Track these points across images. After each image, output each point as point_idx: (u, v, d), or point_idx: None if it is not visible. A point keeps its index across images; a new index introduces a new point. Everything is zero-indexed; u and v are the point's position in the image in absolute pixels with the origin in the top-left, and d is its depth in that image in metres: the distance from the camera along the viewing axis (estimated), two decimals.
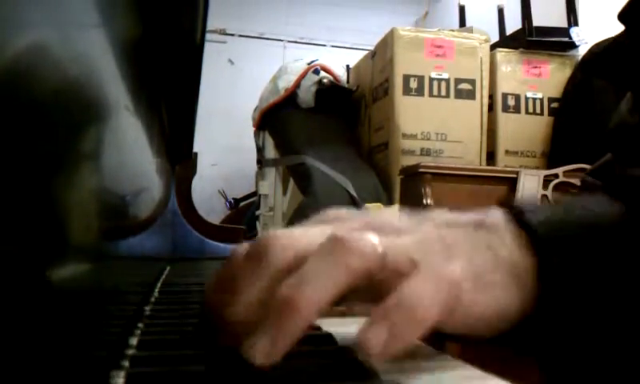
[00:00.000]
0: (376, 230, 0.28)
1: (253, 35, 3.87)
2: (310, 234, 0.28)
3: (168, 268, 0.92)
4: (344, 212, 0.32)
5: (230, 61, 3.80)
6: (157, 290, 0.63)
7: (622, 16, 0.50)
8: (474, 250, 0.29)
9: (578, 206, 0.34)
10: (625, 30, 0.51)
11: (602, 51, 0.54)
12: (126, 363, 0.31)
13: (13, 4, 0.18)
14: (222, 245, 1.18)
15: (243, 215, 3.14)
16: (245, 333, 0.26)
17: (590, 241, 0.31)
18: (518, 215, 0.31)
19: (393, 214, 0.32)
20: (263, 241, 0.28)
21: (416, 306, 0.25)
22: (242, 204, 3.36)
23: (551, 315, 0.29)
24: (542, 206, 0.33)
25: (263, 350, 0.25)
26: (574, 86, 2.18)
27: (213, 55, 3.52)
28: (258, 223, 2.85)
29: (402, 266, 0.27)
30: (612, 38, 0.54)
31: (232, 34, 3.82)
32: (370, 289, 0.27)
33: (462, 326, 0.28)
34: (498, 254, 0.29)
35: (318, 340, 0.33)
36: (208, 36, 0.55)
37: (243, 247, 0.30)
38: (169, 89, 0.61)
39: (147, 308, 0.50)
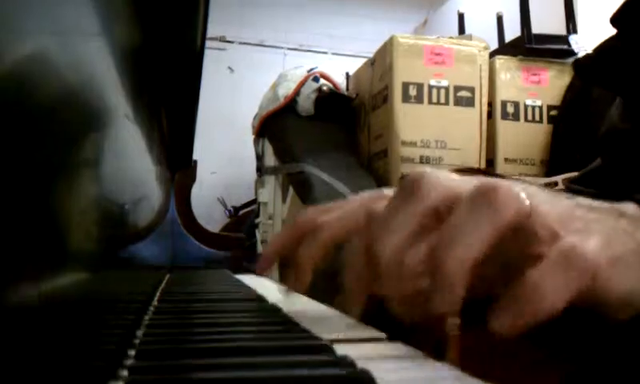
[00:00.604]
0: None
1: (253, 43, 3.88)
2: (460, 181, 0.28)
3: (167, 276, 0.92)
4: (491, 179, 0.31)
5: (230, 68, 3.81)
6: (156, 299, 0.62)
7: (615, 20, 0.51)
8: (614, 233, 0.28)
9: None
10: (617, 34, 0.52)
11: (595, 55, 0.54)
12: (125, 373, 0.31)
13: (13, 11, 0.18)
14: (221, 253, 1.18)
15: (242, 223, 3.14)
16: (396, 277, 0.27)
17: None
18: None
19: (532, 186, 0.30)
20: (414, 178, 0.28)
21: (546, 293, 0.25)
22: (241, 212, 3.36)
23: None
24: None
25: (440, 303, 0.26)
26: (572, 93, 2.19)
27: (212, 62, 3.53)
28: (257, 231, 2.85)
29: (540, 234, 0.26)
30: (604, 41, 0.54)
31: (232, 42, 3.83)
32: (499, 257, 0.27)
33: (594, 304, 0.28)
34: (638, 240, 0.29)
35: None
36: (207, 43, 0.55)
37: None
38: (169, 96, 0.61)
39: (146, 317, 0.50)
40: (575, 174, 1.87)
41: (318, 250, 0.39)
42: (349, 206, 0.39)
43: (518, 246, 0.27)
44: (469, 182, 0.28)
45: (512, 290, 0.25)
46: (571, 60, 2.28)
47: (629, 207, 0.30)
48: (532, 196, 0.28)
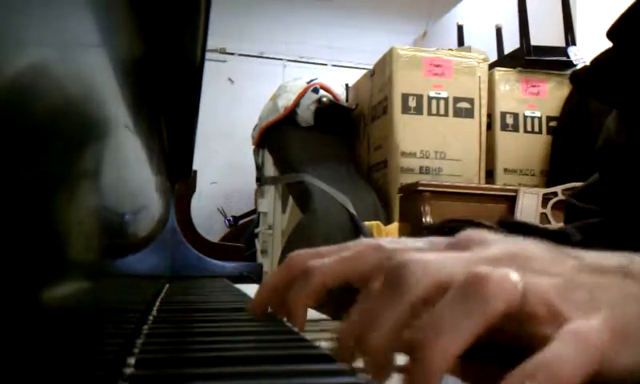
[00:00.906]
0: (515, 263, 0.27)
1: (252, 54, 3.89)
2: (448, 263, 0.28)
3: (167, 286, 0.92)
4: (479, 235, 0.30)
5: (230, 79, 3.82)
6: (155, 308, 0.63)
7: (611, 34, 0.51)
8: (621, 300, 0.27)
9: None
10: (613, 47, 0.52)
11: (591, 67, 0.54)
12: (125, 382, 0.31)
13: (15, 22, 0.18)
14: (220, 263, 1.18)
15: (242, 233, 3.14)
16: (381, 363, 0.27)
17: None
18: None
19: (529, 243, 0.29)
20: (398, 268, 0.27)
21: (559, 374, 0.24)
22: (241, 222, 3.36)
23: None
24: None
25: None
26: (571, 104, 2.20)
27: (213, 74, 3.54)
28: (257, 241, 2.85)
29: (540, 314, 0.26)
30: (601, 54, 0.54)
31: (232, 53, 3.85)
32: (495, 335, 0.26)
33: (603, 377, 0.26)
34: None
35: None
36: (208, 55, 0.56)
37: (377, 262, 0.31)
38: (169, 107, 0.61)
39: (146, 326, 0.50)
40: (575, 184, 1.87)
41: (309, 294, 0.39)
42: (342, 252, 0.39)
43: (517, 325, 0.26)
44: (459, 268, 0.27)
45: (521, 372, 0.24)
46: (570, 71, 2.30)
47: (635, 263, 0.29)
48: (529, 269, 0.27)
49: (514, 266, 0.26)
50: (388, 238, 0.36)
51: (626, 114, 0.52)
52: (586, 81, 0.57)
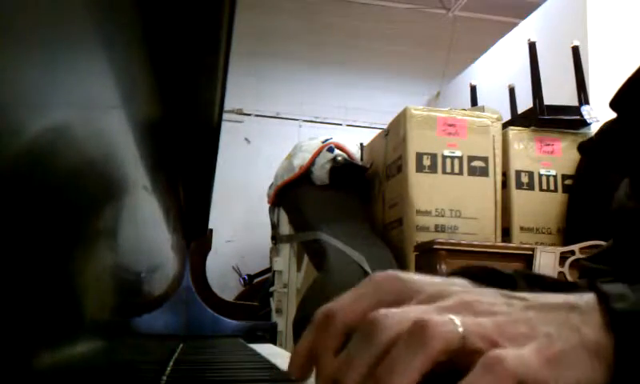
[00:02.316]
0: (465, 309, 0.32)
1: (269, 115, 3.96)
2: (410, 315, 0.32)
3: (181, 345, 0.91)
4: (448, 288, 0.34)
5: (247, 139, 3.88)
6: (170, 368, 0.62)
7: (613, 104, 0.52)
8: (559, 331, 0.31)
9: None
10: (617, 117, 0.53)
11: (597, 137, 0.56)
12: None
13: (37, 85, 0.19)
14: (234, 322, 1.17)
15: (257, 291, 3.12)
16: None
17: None
18: (603, 300, 0.32)
19: (486, 291, 0.34)
20: (372, 320, 0.32)
21: None
22: (256, 280, 3.35)
23: None
24: (635, 289, 0.33)
25: None
26: (585, 163, 2.19)
27: (229, 134, 3.60)
28: (271, 299, 2.83)
29: (481, 348, 0.30)
30: (606, 123, 0.55)
31: (248, 114, 3.92)
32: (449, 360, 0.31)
33: None
34: (584, 334, 0.31)
35: None
36: (225, 116, 0.57)
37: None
38: (186, 168, 0.63)
39: None
40: (592, 242, 1.85)
41: (334, 339, 0.40)
42: (357, 290, 0.42)
43: (463, 358, 0.30)
44: (415, 317, 0.31)
45: None
46: (584, 130, 2.30)
47: (583, 299, 0.32)
48: (477, 313, 0.31)
49: (463, 312, 0.31)
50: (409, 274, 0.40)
51: (635, 182, 0.53)
52: (593, 150, 0.59)
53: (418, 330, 0.30)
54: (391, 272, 0.40)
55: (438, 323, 0.30)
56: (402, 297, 0.35)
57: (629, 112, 0.51)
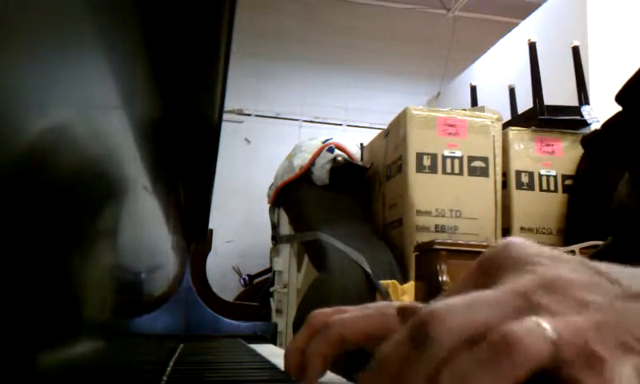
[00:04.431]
0: (549, 294, 0.26)
1: (269, 115, 3.97)
2: (475, 310, 0.26)
3: (181, 346, 0.91)
4: (511, 254, 0.29)
5: (247, 140, 3.88)
6: (170, 368, 0.62)
7: (619, 98, 0.52)
8: None
9: None
10: (622, 111, 0.53)
11: (601, 131, 0.55)
12: None
13: (37, 86, 0.19)
14: (235, 322, 1.17)
15: (257, 291, 3.12)
16: None
17: None
18: None
19: (565, 264, 0.28)
20: (426, 320, 0.26)
21: None
22: (256, 280, 3.35)
23: None
24: None
25: None
26: (586, 163, 2.20)
27: (230, 134, 3.60)
28: (272, 300, 2.83)
29: (574, 359, 0.24)
30: (610, 117, 0.55)
31: (249, 114, 3.92)
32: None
33: None
34: None
35: None
36: (225, 116, 0.57)
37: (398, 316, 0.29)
38: (186, 169, 0.63)
39: None
40: (592, 243, 1.84)
41: (327, 346, 0.41)
42: (361, 309, 0.42)
43: (553, 369, 0.25)
44: (486, 316, 0.26)
45: None
46: (584, 130, 2.31)
47: None
48: (564, 302, 0.26)
49: (546, 300, 0.25)
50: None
51: (637, 177, 0.53)
52: (596, 145, 0.58)
53: (498, 345, 0.24)
54: (399, 302, 0.35)
55: (522, 335, 0.24)
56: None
57: (634, 106, 0.51)
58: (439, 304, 0.26)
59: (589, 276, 0.27)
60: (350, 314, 0.41)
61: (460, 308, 0.26)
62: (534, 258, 0.28)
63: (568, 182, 2.28)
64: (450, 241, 1.93)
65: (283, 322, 2.57)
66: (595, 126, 2.24)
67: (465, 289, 0.28)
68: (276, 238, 2.82)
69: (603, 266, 0.28)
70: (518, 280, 0.27)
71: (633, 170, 0.53)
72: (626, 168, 0.55)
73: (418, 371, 0.25)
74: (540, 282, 0.26)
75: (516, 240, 0.30)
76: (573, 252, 1.83)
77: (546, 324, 0.24)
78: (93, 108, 0.27)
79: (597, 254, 0.60)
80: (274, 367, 0.62)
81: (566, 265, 0.27)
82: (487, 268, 0.29)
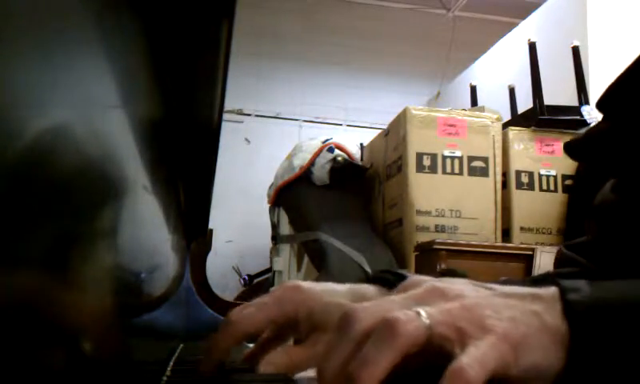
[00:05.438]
0: (436, 294, 0.35)
1: (269, 115, 3.97)
2: (382, 308, 0.35)
3: (181, 345, 0.91)
4: (420, 280, 0.38)
5: (247, 140, 3.88)
6: (169, 369, 0.62)
7: (599, 104, 0.53)
8: (522, 316, 0.33)
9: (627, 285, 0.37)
10: (603, 118, 0.54)
11: (584, 136, 0.57)
12: None
13: (38, 86, 0.19)
14: None
15: (258, 292, 3.12)
16: None
17: (623, 317, 0.34)
18: (562, 293, 0.35)
19: (456, 280, 0.37)
20: (346, 315, 0.35)
21: (471, 364, 0.30)
22: (256, 280, 3.35)
23: (573, 377, 0.33)
24: (593, 283, 0.36)
25: None
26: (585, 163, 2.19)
27: (230, 134, 3.60)
28: None
29: (448, 335, 0.32)
30: (595, 125, 0.56)
31: (248, 114, 3.92)
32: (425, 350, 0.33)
33: (505, 376, 0.33)
34: (545, 320, 0.34)
35: None
36: (225, 116, 0.57)
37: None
38: (186, 169, 0.63)
39: None
40: None
41: (226, 341, 0.49)
42: (259, 300, 0.50)
43: (437, 348, 0.32)
44: (389, 309, 0.34)
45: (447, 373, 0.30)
46: (584, 130, 2.31)
47: (546, 291, 0.35)
48: (444, 299, 0.34)
49: (432, 299, 0.34)
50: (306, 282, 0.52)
51: (619, 183, 0.54)
52: (578, 151, 0.60)
53: (385, 327, 0.32)
54: (293, 282, 0.50)
55: (403, 320, 0.32)
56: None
57: (614, 113, 0.52)
58: (357, 304, 0.35)
59: (471, 285, 0.36)
60: (248, 309, 0.49)
61: (370, 307, 0.35)
62: (434, 280, 0.37)
63: (568, 181, 2.28)
64: (449, 241, 1.93)
65: None
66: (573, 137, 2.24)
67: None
68: (276, 238, 2.82)
69: (486, 284, 0.37)
70: (416, 290, 0.36)
71: (614, 175, 0.54)
72: (608, 174, 0.56)
73: (338, 355, 0.34)
74: (430, 289, 0.36)
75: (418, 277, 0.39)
76: None
77: (422, 311, 0.33)
78: (92, 107, 0.27)
79: (577, 245, 0.61)
80: None
81: (457, 282, 0.36)
82: (404, 288, 0.38)
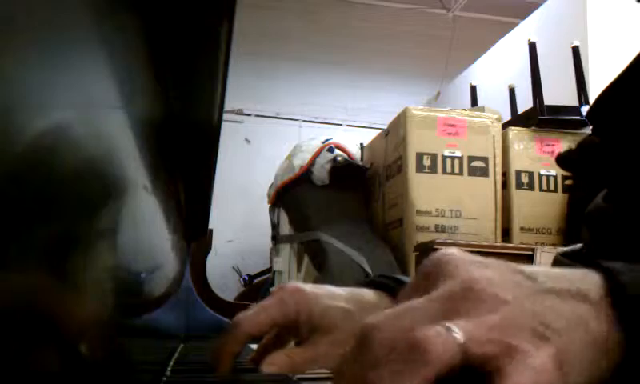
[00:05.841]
0: (468, 303, 0.29)
1: (269, 115, 3.97)
2: (403, 320, 0.30)
3: (181, 346, 0.91)
4: (445, 262, 0.32)
5: (247, 139, 3.88)
6: (169, 369, 0.62)
7: (589, 116, 0.53)
8: (568, 328, 0.29)
9: None
10: (592, 129, 0.54)
11: (576, 149, 0.57)
12: None
13: (38, 86, 0.19)
14: None
15: (258, 291, 3.12)
16: None
17: None
18: (614, 291, 0.31)
19: (488, 268, 0.31)
20: (365, 330, 0.30)
21: None
22: (256, 280, 3.35)
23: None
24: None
25: None
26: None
27: (230, 134, 3.60)
28: None
29: (489, 353, 0.28)
30: (585, 137, 0.56)
31: (248, 114, 3.92)
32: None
33: None
34: (592, 330, 0.30)
35: None
36: (225, 116, 0.57)
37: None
38: (186, 168, 0.63)
39: None
40: None
41: (232, 344, 0.49)
42: (263, 302, 0.50)
43: (473, 365, 0.28)
44: (412, 319, 0.29)
45: None
46: (584, 130, 2.30)
47: (590, 283, 0.31)
48: (480, 306, 0.29)
49: (463, 308, 0.29)
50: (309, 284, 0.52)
51: (611, 194, 0.54)
52: (570, 163, 0.59)
53: (411, 349, 0.28)
54: (294, 285, 0.50)
55: (433, 341, 0.28)
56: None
57: (604, 125, 0.52)
58: (378, 316, 0.31)
59: (508, 275, 0.31)
60: (251, 311, 0.50)
61: (391, 318, 0.30)
62: (464, 265, 0.31)
63: (568, 182, 2.28)
64: (450, 241, 1.93)
65: None
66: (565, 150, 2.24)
67: (412, 292, 0.32)
68: (276, 238, 2.82)
69: (525, 267, 0.31)
70: (444, 286, 0.31)
71: (606, 187, 0.54)
72: (600, 185, 0.56)
73: (354, 373, 0.30)
74: (462, 286, 0.30)
75: (451, 250, 0.33)
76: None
77: (455, 327, 0.28)
78: (92, 107, 0.27)
79: (572, 253, 0.61)
80: None
81: (490, 268, 0.31)
82: (427, 275, 0.32)
